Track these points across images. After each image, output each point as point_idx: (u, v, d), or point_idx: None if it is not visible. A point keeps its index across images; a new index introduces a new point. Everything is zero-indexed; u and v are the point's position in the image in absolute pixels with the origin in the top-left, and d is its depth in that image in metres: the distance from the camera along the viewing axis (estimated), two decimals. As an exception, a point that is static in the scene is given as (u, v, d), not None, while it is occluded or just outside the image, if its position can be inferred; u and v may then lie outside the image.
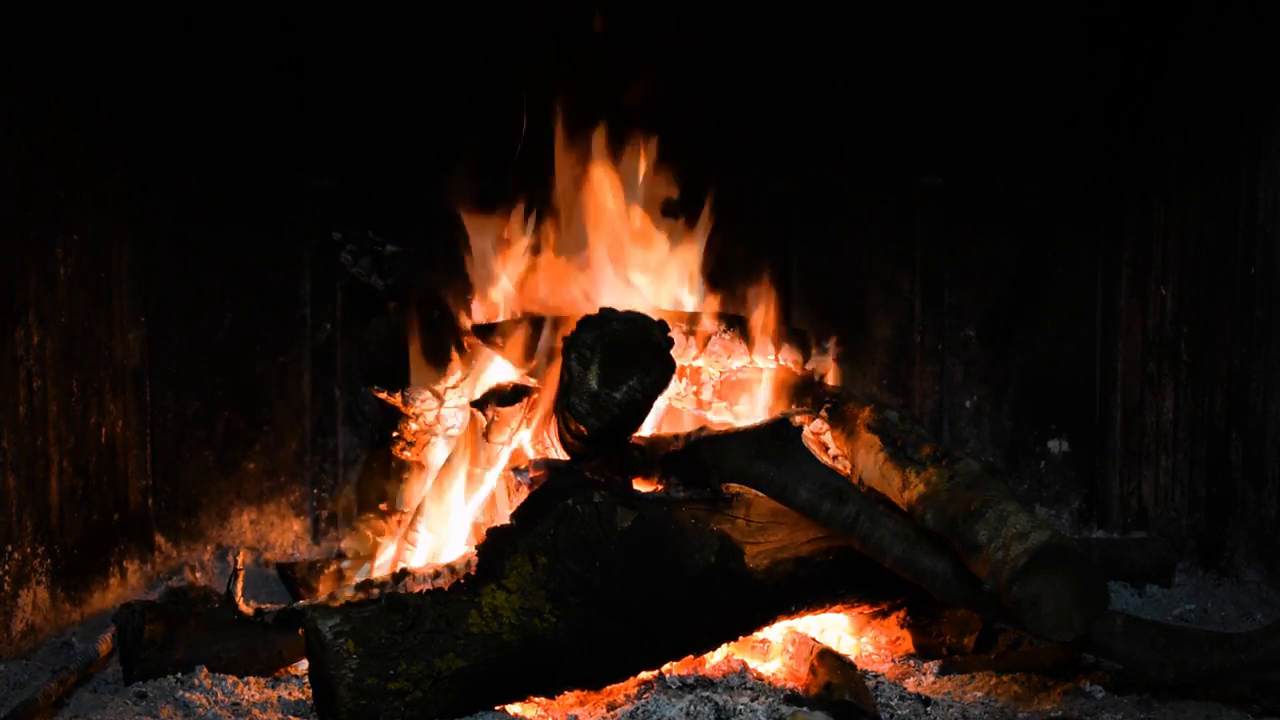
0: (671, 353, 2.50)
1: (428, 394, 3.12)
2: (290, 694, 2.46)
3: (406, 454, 3.22)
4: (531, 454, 2.92)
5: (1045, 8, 3.37)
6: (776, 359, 3.14)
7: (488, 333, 3.09)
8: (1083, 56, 3.46)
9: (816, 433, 2.79)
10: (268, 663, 2.59)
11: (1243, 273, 3.05)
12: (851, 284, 3.63)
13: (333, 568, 3.13)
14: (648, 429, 2.82)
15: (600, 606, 2.31)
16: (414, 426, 3.18)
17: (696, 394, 3.12)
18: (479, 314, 3.17)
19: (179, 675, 2.49)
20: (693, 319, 3.06)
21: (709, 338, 3.09)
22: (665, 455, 2.68)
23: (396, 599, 2.23)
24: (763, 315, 3.10)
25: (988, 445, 3.65)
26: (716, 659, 2.52)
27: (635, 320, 2.48)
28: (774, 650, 2.60)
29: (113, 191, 3.20)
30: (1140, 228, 3.50)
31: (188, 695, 2.39)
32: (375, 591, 2.70)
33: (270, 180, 3.43)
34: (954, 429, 3.65)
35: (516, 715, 2.28)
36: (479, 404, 3.11)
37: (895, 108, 3.47)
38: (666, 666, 2.44)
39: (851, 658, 2.52)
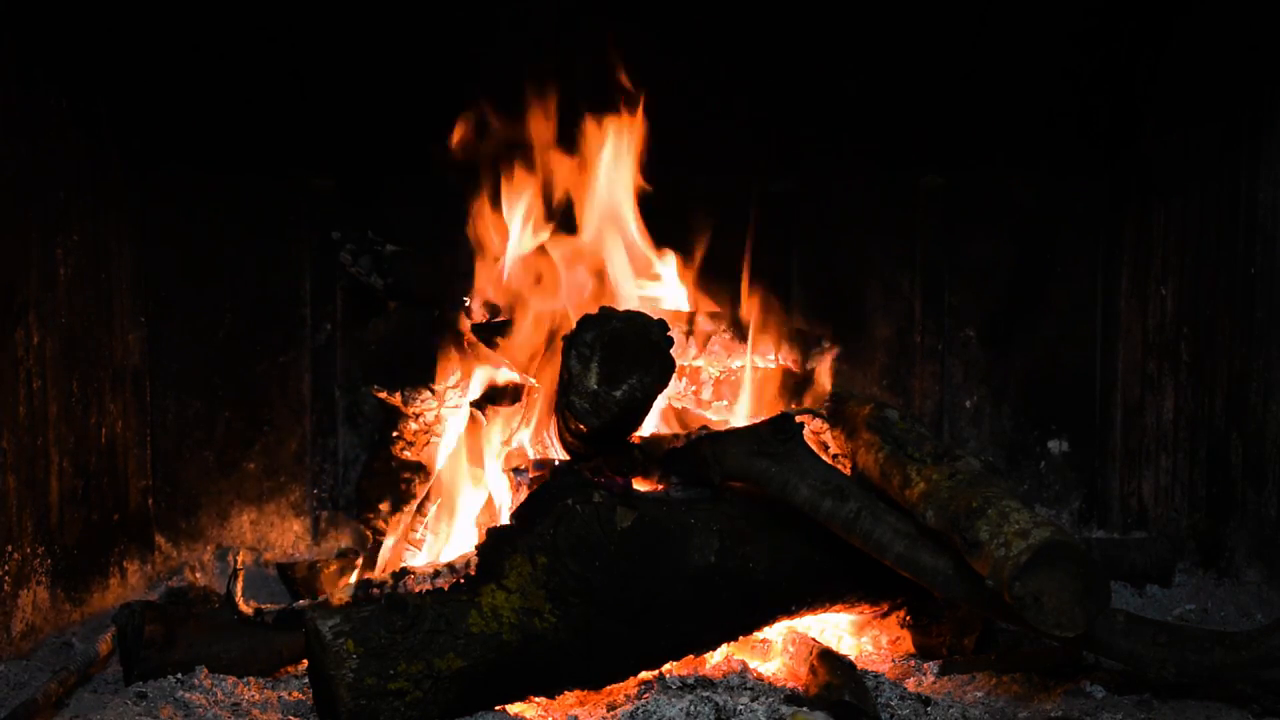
0: (671, 352, 2.50)
1: (428, 394, 3.12)
2: (290, 694, 2.46)
3: (406, 454, 3.22)
4: (531, 454, 2.92)
5: (1046, 8, 3.37)
6: (776, 359, 3.14)
7: (488, 332, 3.09)
8: (1084, 56, 3.46)
9: (816, 432, 2.79)
10: (268, 663, 2.59)
11: (1243, 273, 3.05)
12: (851, 284, 3.63)
13: (333, 567, 3.13)
14: (648, 428, 2.82)
15: (600, 606, 2.30)
16: (414, 426, 3.18)
17: (696, 393, 3.12)
18: (479, 314, 3.16)
19: (179, 675, 2.49)
20: (691, 319, 3.06)
21: (709, 337, 3.09)
22: (665, 454, 2.68)
23: (396, 599, 2.23)
24: (762, 315, 3.10)
25: (988, 445, 3.65)
26: (716, 659, 2.52)
27: (635, 319, 2.48)
28: (774, 650, 2.60)
29: (113, 191, 3.20)
30: (1140, 228, 3.50)
31: (188, 695, 2.39)
32: (375, 591, 2.70)
33: (270, 180, 3.44)
34: (954, 429, 3.65)
35: (517, 715, 2.28)
36: (479, 404, 3.12)
37: (895, 108, 3.47)
38: (666, 666, 2.44)
39: (851, 658, 2.51)
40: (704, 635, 2.45)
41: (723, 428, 2.86)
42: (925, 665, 2.58)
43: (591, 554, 2.31)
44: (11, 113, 2.72)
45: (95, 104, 3.10)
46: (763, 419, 2.66)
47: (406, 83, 3.35)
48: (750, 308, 3.12)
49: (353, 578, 2.89)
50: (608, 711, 2.29)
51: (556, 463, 2.74)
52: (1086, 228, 3.65)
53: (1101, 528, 3.62)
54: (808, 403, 3.05)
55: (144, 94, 3.25)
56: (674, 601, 2.37)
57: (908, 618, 2.65)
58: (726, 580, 2.42)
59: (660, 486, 2.67)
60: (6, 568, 2.67)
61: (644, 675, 2.41)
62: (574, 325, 2.51)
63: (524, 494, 2.62)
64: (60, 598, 2.89)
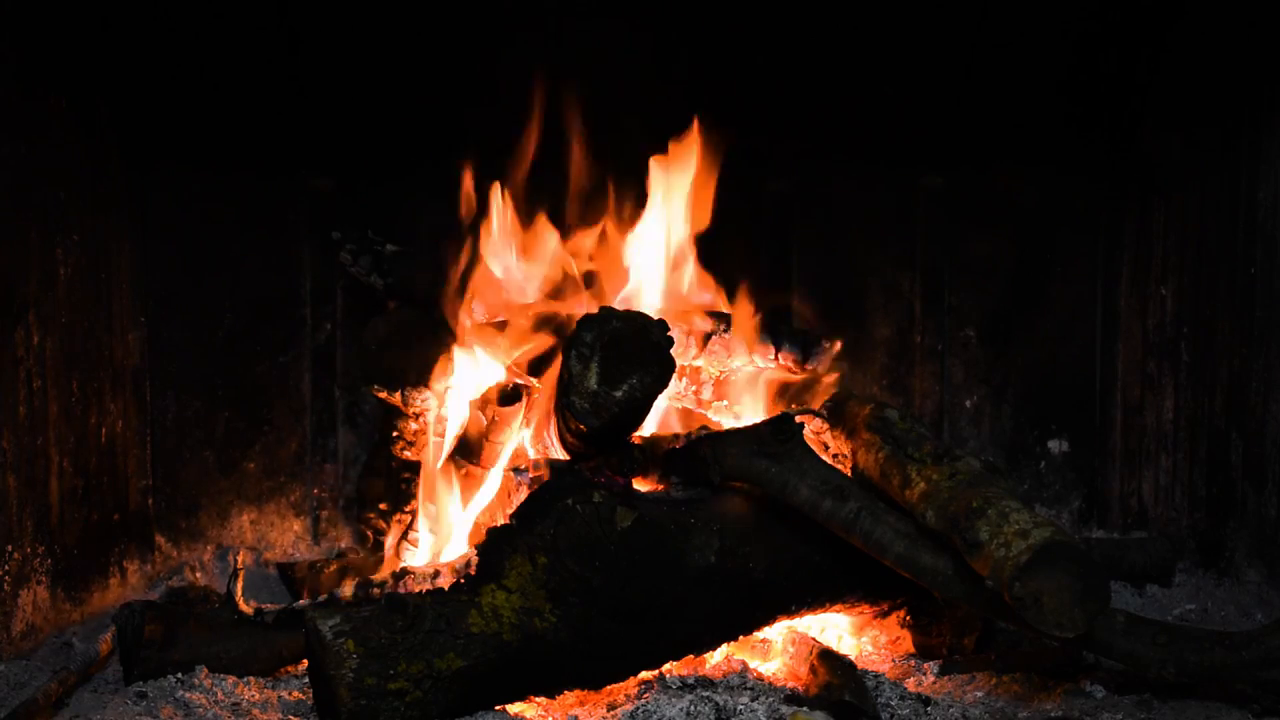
0: (671, 352, 2.50)
1: (428, 394, 3.12)
2: (290, 694, 2.46)
3: (406, 454, 3.22)
4: (531, 454, 2.92)
5: (1046, 7, 3.37)
6: (776, 359, 3.14)
7: (488, 332, 3.09)
8: (1084, 56, 3.46)
9: (816, 432, 2.79)
10: (268, 663, 2.59)
11: (1243, 273, 3.05)
12: (851, 284, 3.63)
13: (333, 567, 3.12)
14: (648, 428, 2.82)
15: (600, 606, 2.30)
16: (414, 426, 3.18)
17: (696, 393, 3.12)
18: (479, 314, 3.16)
19: (179, 675, 2.49)
20: (691, 318, 3.05)
21: (709, 337, 3.09)
22: (665, 454, 2.68)
23: (396, 599, 2.23)
24: (762, 315, 3.10)
25: (988, 445, 3.65)
26: (716, 659, 2.52)
27: (635, 319, 2.48)
28: (774, 650, 2.60)
29: (113, 191, 3.20)
30: (1140, 228, 3.50)
31: (188, 695, 2.39)
32: (375, 591, 2.69)
33: (269, 180, 3.43)
34: (954, 429, 3.65)
35: (517, 715, 2.28)
36: (479, 404, 3.11)
37: (895, 107, 3.46)
38: (666, 666, 2.43)
39: (851, 658, 2.51)
40: (704, 635, 2.45)
41: (723, 428, 2.86)
42: (925, 665, 2.58)
43: (591, 554, 2.31)
44: (11, 113, 2.71)
45: (95, 104, 3.10)
46: (763, 419, 2.65)
47: (407, 82, 3.35)
48: (752, 307, 3.12)
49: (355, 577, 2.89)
50: (608, 711, 2.29)
51: (557, 463, 2.74)
52: (1086, 228, 3.65)
53: (1101, 528, 3.62)
54: (807, 403, 3.05)
55: (144, 94, 3.25)
56: (674, 601, 2.37)
57: (908, 618, 2.65)
58: (726, 580, 2.42)
59: (660, 486, 2.67)
60: (6, 568, 2.67)
61: (644, 675, 2.41)
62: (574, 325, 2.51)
63: (524, 494, 2.62)
64: (60, 597, 2.89)
